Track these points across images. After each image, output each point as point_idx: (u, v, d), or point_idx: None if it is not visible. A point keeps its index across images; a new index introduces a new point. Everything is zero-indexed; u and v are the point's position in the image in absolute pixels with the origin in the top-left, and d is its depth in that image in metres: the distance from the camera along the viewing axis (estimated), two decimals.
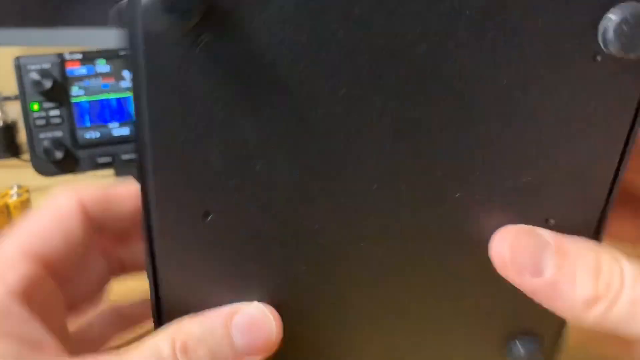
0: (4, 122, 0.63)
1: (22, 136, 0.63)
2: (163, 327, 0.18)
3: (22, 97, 0.40)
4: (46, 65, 0.41)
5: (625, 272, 0.17)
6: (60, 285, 0.20)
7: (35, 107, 0.40)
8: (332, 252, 0.18)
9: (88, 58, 0.42)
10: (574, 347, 0.32)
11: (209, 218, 0.17)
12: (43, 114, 0.41)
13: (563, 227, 0.18)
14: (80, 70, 0.42)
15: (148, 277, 0.18)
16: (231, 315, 0.18)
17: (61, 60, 0.41)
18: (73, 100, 0.41)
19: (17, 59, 0.40)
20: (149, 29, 0.14)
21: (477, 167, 0.17)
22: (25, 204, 0.40)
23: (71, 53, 0.41)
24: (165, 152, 0.16)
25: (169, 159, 0.16)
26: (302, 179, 0.17)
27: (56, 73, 0.41)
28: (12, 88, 0.47)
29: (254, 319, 0.18)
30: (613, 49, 0.15)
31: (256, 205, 0.17)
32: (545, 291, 0.17)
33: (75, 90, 0.42)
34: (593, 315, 0.17)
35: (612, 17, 0.15)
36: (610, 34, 0.15)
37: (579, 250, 0.17)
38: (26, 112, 0.40)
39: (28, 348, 0.17)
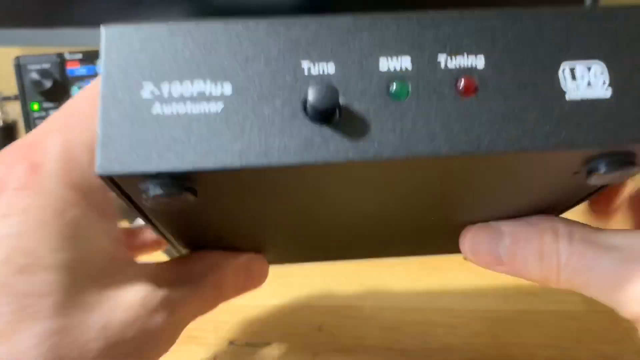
0: (4, 122, 0.63)
1: (22, 136, 0.63)
2: (194, 254, 0.22)
3: (22, 97, 0.40)
4: (46, 65, 0.41)
5: (561, 252, 0.19)
6: None
7: (35, 107, 0.40)
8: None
9: (88, 58, 0.42)
10: (570, 343, 0.32)
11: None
12: (43, 114, 0.41)
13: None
14: (80, 70, 0.42)
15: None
16: (248, 260, 0.22)
17: (61, 60, 0.41)
18: None
19: (17, 58, 0.40)
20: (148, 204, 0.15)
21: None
22: None
23: (71, 53, 0.42)
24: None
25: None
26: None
27: (56, 73, 0.41)
28: (12, 88, 0.47)
29: (261, 267, 0.23)
30: (594, 183, 0.17)
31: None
32: (509, 273, 0.21)
33: (75, 90, 0.42)
34: (550, 286, 0.20)
35: (600, 170, 0.16)
36: (595, 180, 0.16)
37: (527, 235, 0.20)
38: (26, 112, 0.40)
39: (99, 215, 0.17)
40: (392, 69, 0.15)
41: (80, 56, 0.42)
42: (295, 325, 0.33)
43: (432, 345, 0.31)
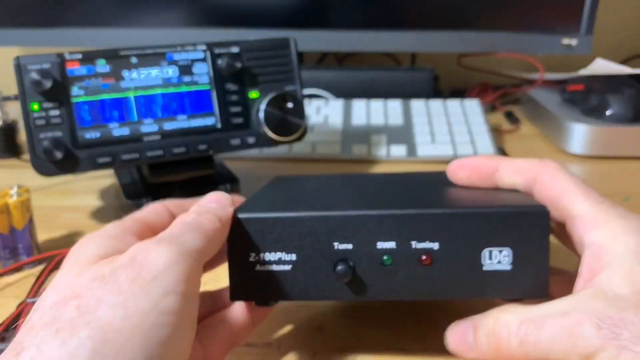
0: (4, 122, 0.63)
1: (22, 136, 0.63)
2: None
3: (22, 97, 0.40)
4: (46, 65, 0.41)
5: (510, 328, 0.25)
6: None
7: (35, 107, 0.40)
8: None
9: (88, 58, 0.42)
10: None
11: None
12: (43, 114, 0.41)
13: None
14: (80, 70, 0.42)
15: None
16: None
17: (61, 60, 0.41)
18: (73, 100, 0.41)
19: (17, 58, 0.40)
20: None
21: None
22: (25, 204, 0.40)
23: (71, 53, 0.41)
24: None
25: None
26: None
27: (56, 73, 0.41)
28: (12, 88, 0.47)
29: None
30: None
31: None
32: (479, 356, 0.26)
33: (75, 90, 0.42)
34: (504, 356, 0.25)
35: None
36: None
37: (483, 321, 0.26)
38: (26, 112, 0.40)
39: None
40: (384, 248, 0.27)
41: (80, 56, 0.42)
42: (295, 325, 0.33)
43: (432, 345, 0.31)
